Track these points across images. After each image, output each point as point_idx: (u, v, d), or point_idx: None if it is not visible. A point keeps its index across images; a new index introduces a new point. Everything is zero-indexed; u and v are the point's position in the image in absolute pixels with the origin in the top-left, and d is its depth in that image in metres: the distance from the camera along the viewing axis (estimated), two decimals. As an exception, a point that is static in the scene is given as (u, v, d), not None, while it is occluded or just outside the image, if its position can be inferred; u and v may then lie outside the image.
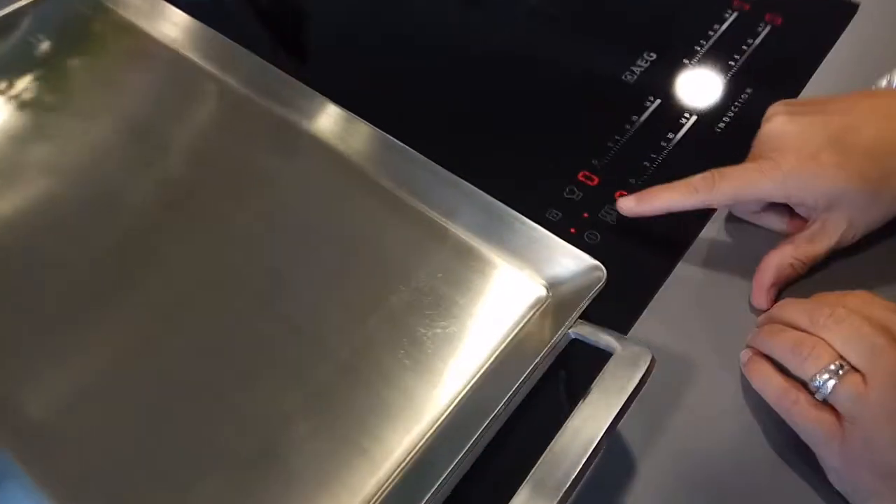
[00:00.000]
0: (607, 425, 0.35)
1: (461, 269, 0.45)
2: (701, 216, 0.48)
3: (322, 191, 0.49)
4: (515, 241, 0.45)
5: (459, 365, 0.41)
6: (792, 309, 0.40)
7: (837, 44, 0.58)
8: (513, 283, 0.44)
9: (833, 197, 0.42)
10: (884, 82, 0.49)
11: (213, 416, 0.39)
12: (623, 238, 0.48)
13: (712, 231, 0.48)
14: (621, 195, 0.47)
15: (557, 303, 0.43)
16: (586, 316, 0.41)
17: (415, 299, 0.43)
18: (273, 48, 0.60)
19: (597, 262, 0.42)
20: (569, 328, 0.40)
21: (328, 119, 0.51)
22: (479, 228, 0.46)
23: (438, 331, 0.42)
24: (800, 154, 0.42)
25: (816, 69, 0.56)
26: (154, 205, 0.48)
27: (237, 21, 0.62)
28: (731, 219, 0.48)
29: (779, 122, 0.44)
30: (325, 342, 0.42)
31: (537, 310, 0.43)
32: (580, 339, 0.40)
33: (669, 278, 0.46)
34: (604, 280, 0.41)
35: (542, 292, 0.44)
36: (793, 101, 0.46)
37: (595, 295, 0.41)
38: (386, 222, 0.47)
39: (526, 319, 0.43)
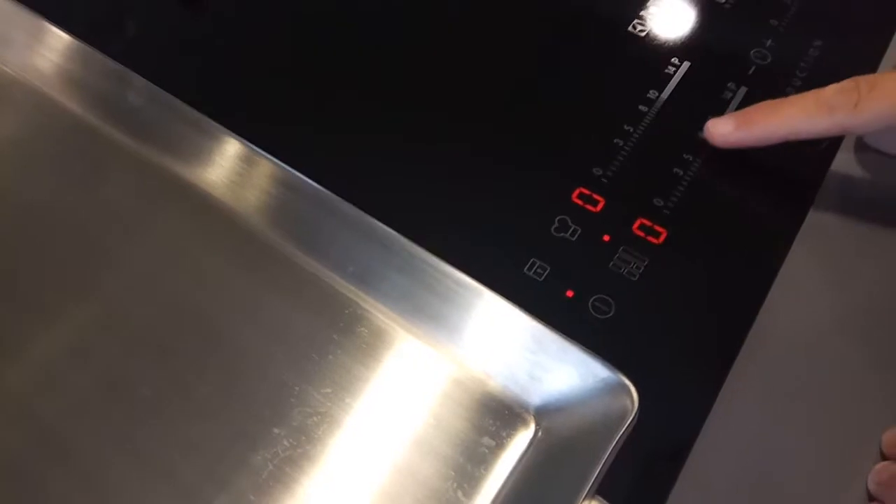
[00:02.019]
0: None
1: (382, 378, 0.27)
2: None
3: (176, 254, 0.30)
4: (475, 333, 0.27)
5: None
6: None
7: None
8: (474, 411, 0.26)
9: None
10: None
11: None
12: (654, 302, 0.29)
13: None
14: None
15: (551, 449, 0.25)
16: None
17: (292, 448, 0.25)
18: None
19: (622, 379, 0.24)
20: (578, 512, 0.22)
21: (197, 143, 0.32)
22: (411, 309, 0.28)
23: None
24: None
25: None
26: None
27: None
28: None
29: None
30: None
31: (520, 460, 0.25)
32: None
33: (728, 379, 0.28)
34: (635, 413, 0.23)
35: (529, 428, 0.25)
36: None
37: (622, 442, 0.23)
38: (266, 300, 0.28)
39: (502, 479, 0.25)
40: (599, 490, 0.23)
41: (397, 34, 0.38)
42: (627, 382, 0.24)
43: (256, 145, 0.31)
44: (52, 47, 0.35)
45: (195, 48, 0.37)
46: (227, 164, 0.31)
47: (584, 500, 0.22)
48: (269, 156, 0.30)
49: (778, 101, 0.32)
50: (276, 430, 0.25)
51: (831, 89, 0.31)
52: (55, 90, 0.34)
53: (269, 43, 0.37)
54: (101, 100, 0.33)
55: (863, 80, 0.30)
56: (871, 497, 0.26)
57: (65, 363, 0.27)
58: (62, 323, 0.28)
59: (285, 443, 0.25)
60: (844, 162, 0.34)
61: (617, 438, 0.23)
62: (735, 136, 0.32)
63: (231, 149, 0.31)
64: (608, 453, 0.23)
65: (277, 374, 0.27)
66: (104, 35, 0.36)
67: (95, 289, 0.29)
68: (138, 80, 0.33)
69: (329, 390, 0.26)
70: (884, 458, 0.27)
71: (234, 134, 0.31)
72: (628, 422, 0.23)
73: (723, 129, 0.32)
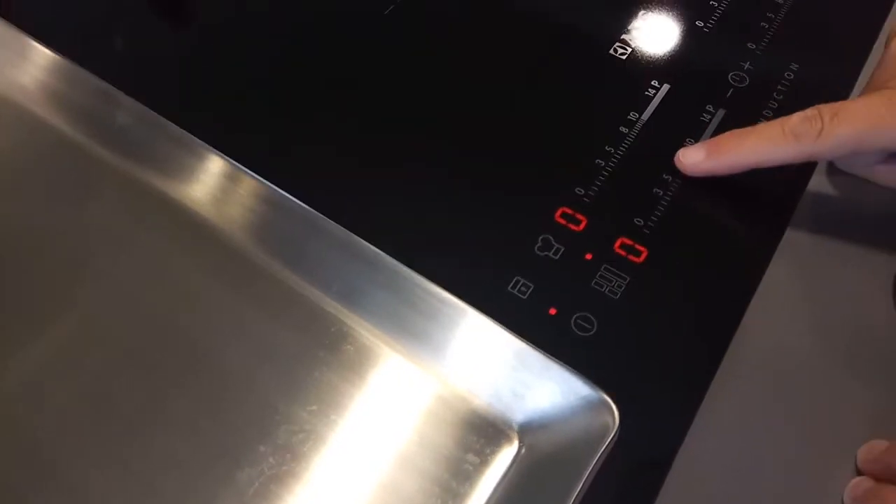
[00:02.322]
0: None
1: (367, 396, 0.27)
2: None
3: (162, 273, 0.30)
4: (459, 351, 0.27)
5: None
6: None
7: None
8: (458, 428, 0.26)
9: None
10: None
11: None
12: (635, 320, 0.30)
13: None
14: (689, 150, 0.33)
15: (534, 465, 0.25)
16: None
17: (278, 465, 0.25)
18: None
19: (603, 396, 0.25)
20: (561, 529, 0.23)
21: (184, 163, 0.32)
22: (396, 327, 0.28)
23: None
24: None
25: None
26: None
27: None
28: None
29: None
30: None
31: (503, 476, 0.25)
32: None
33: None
34: (616, 430, 0.24)
35: (513, 445, 0.26)
36: None
37: (603, 458, 0.24)
38: (251, 317, 0.29)
39: (486, 496, 0.25)
40: (581, 505, 0.24)
41: (382, 55, 0.38)
42: (608, 399, 0.24)
43: (241, 164, 0.31)
44: (37, 63, 0.35)
45: (179, 65, 0.37)
46: (212, 182, 0.31)
47: (566, 519, 0.23)
48: (253, 174, 0.31)
49: (746, 129, 0.32)
50: (261, 448, 0.26)
51: (796, 118, 0.31)
52: (38, 106, 0.34)
53: (253, 60, 0.38)
54: (85, 117, 0.33)
55: (826, 109, 0.31)
56: (847, 512, 0.26)
57: (49, 378, 0.27)
58: (46, 338, 0.28)
59: (271, 460, 0.25)
60: (820, 183, 0.34)
61: (599, 454, 0.24)
62: (705, 165, 0.33)
63: (215, 167, 0.31)
64: (590, 469, 0.23)
65: (263, 392, 0.27)
66: (88, 52, 0.36)
67: (80, 306, 0.29)
68: (124, 99, 0.33)
69: (314, 407, 0.27)
70: (859, 473, 0.27)
71: (218, 152, 0.31)
72: (609, 438, 0.24)
73: (693, 158, 0.33)
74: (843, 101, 0.31)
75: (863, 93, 0.33)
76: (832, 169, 0.35)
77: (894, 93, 0.30)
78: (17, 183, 0.33)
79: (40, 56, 0.35)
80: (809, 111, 0.31)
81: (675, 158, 0.33)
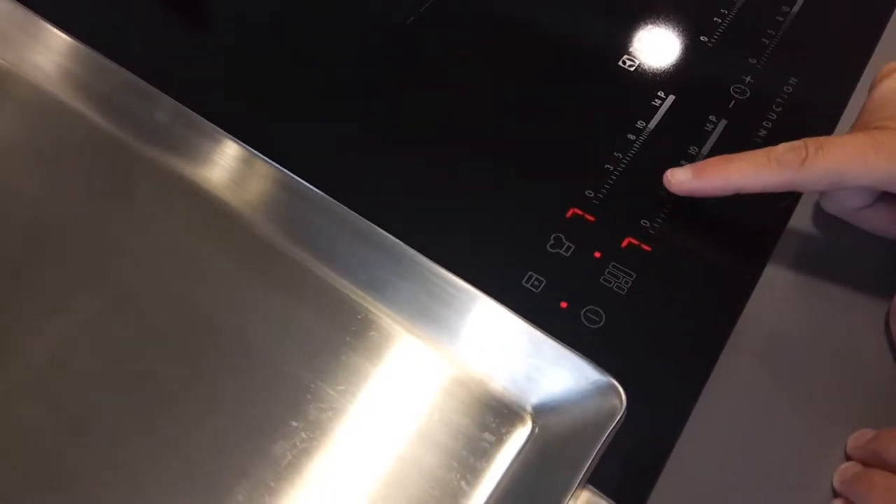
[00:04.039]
0: None
1: (391, 378, 0.29)
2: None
3: (200, 262, 0.32)
4: (478, 338, 0.29)
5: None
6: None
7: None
8: (476, 409, 0.28)
9: None
10: None
11: None
12: (641, 314, 0.32)
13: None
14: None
15: (547, 444, 0.27)
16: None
17: (309, 440, 0.27)
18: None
19: (611, 381, 0.27)
20: (570, 500, 0.25)
21: (220, 159, 0.34)
22: (419, 315, 0.30)
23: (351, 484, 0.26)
24: None
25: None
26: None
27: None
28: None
29: None
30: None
31: (518, 454, 0.27)
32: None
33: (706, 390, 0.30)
34: (623, 412, 0.26)
35: (527, 425, 0.28)
36: None
37: (611, 438, 0.26)
38: (284, 305, 0.31)
39: (501, 472, 0.27)
40: (590, 480, 0.26)
41: (402, 62, 0.40)
42: (616, 384, 0.26)
43: (287, 168, 0.33)
44: (60, 52, 0.37)
45: (204, 60, 0.40)
46: (254, 183, 0.33)
47: (576, 489, 0.25)
48: (280, 167, 0.33)
49: (733, 155, 0.33)
50: (293, 423, 0.28)
51: (782, 147, 0.32)
52: (62, 93, 0.37)
53: (275, 52, 0.40)
54: (117, 109, 0.36)
55: (811, 141, 0.31)
56: (835, 494, 0.28)
57: (83, 349, 0.29)
58: (81, 313, 0.30)
59: (302, 435, 0.27)
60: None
61: (607, 434, 0.26)
62: (690, 185, 0.34)
63: (262, 170, 0.33)
64: (598, 448, 0.25)
65: (295, 373, 0.29)
66: (114, 45, 0.38)
67: (124, 293, 0.31)
68: (158, 95, 0.35)
69: (342, 387, 0.29)
70: (848, 458, 0.29)
71: (263, 156, 0.33)
72: (617, 419, 0.26)
73: (680, 178, 0.34)
74: (830, 136, 0.32)
75: (850, 131, 0.34)
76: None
77: (881, 133, 0.31)
78: (53, 171, 0.35)
79: (69, 46, 0.37)
80: (797, 142, 0.32)
81: (664, 177, 0.35)
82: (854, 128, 0.33)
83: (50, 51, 0.37)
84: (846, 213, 0.35)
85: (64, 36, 0.37)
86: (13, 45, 0.38)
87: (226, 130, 0.34)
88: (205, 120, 0.34)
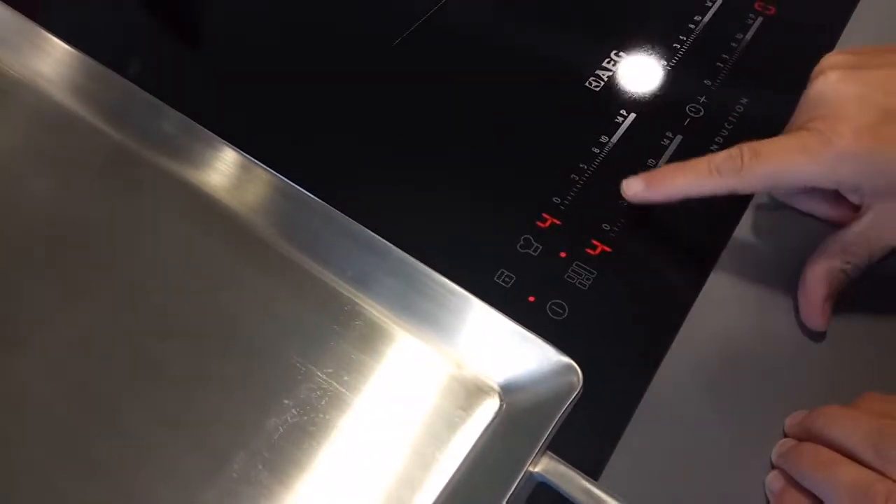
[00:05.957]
0: None
1: (375, 362, 0.32)
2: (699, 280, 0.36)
3: (202, 259, 0.35)
4: (453, 326, 0.32)
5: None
6: (844, 427, 0.29)
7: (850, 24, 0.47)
8: (450, 388, 0.31)
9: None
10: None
11: None
12: (600, 307, 0.35)
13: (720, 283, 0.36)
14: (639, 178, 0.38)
15: (512, 418, 0.30)
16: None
17: (300, 416, 0.30)
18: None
19: (570, 362, 0.30)
20: (531, 465, 0.28)
21: (220, 166, 0.37)
22: (400, 307, 0.33)
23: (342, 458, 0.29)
24: (856, 125, 0.32)
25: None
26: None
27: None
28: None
29: (832, 79, 0.34)
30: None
31: (487, 427, 0.30)
32: (547, 483, 0.28)
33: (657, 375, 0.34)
34: (579, 389, 0.29)
35: (495, 402, 0.31)
36: (857, 49, 0.35)
37: (569, 411, 0.29)
38: (279, 297, 0.34)
39: (472, 442, 0.30)
40: (553, 449, 0.29)
41: (387, 85, 0.44)
42: (574, 364, 0.30)
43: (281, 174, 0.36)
44: (71, 65, 0.41)
45: (207, 74, 0.43)
46: (255, 191, 0.37)
47: (536, 455, 0.28)
48: (292, 183, 0.36)
49: (679, 164, 0.36)
50: (285, 401, 0.31)
51: (721, 156, 0.34)
52: (72, 104, 0.40)
53: (270, 69, 0.44)
54: (124, 120, 0.39)
55: (746, 148, 0.34)
56: (772, 466, 0.32)
57: (99, 342, 0.33)
58: (95, 308, 0.33)
59: (293, 411, 0.30)
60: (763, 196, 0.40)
61: (564, 408, 0.29)
62: (643, 195, 0.37)
63: (262, 178, 0.36)
64: (557, 419, 0.28)
65: (288, 357, 0.32)
66: (120, 59, 0.41)
67: (133, 286, 0.34)
68: (161, 106, 0.38)
69: (330, 370, 0.32)
70: (785, 436, 0.33)
71: (261, 163, 0.37)
72: (574, 395, 0.29)
73: (634, 188, 0.37)
74: (764, 141, 0.34)
75: (785, 131, 0.36)
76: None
77: (808, 135, 0.33)
78: (64, 175, 0.38)
79: (74, 58, 0.40)
80: (733, 149, 0.34)
81: (621, 187, 0.38)
82: (788, 127, 0.36)
83: (59, 63, 0.41)
84: (788, 199, 0.39)
85: (74, 51, 0.40)
86: (22, 57, 0.41)
87: (225, 139, 0.37)
88: (206, 130, 0.37)
